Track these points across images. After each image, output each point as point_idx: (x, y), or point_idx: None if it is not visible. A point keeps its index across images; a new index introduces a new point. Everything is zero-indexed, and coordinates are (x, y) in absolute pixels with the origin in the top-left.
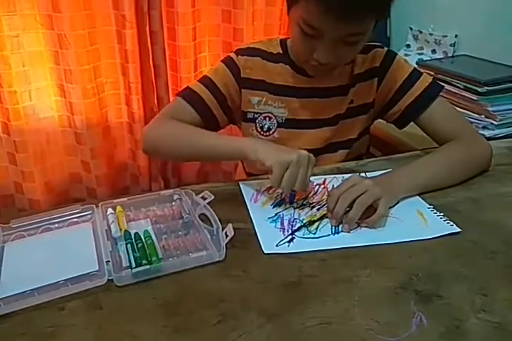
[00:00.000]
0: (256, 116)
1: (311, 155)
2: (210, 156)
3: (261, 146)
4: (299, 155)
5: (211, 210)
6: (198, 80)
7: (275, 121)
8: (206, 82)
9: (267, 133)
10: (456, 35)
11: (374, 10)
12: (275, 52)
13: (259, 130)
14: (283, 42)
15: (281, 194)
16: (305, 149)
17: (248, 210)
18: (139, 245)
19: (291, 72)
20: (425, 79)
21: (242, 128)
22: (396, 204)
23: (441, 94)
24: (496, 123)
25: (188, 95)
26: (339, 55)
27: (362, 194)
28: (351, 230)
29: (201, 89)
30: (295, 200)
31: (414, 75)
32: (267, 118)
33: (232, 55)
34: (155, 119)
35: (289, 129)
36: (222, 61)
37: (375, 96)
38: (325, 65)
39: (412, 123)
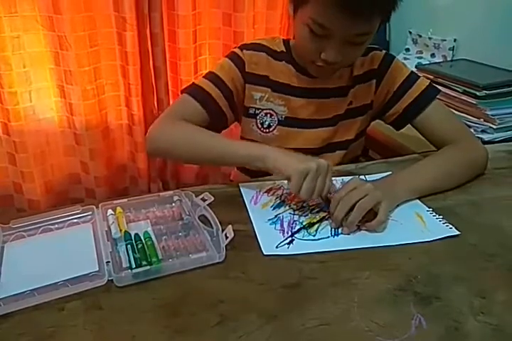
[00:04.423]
0: (257, 112)
1: (330, 164)
2: (223, 162)
3: (280, 155)
4: (318, 165)
5: (211, 212)
6: (203, 76)
7: (276, 119)
8: (213, 77)
9: (267, 130)
10: (455, 40)
11: (383, 9)
12: (279, 50)
13: (259, 126)
14: (285, 42)
15: (281, 196)
16: (304, 148)
17: (248, 212)
18: (139, 246)
19: (293, 71)
20: (422, 82)
21: (243, 124)
22: (396, 206)
23: (438, 97)
24: (494, 127)
25: (196, 92)
26: (346, 55)
27: (362, 198)
28: (351, 233)
29: (208, 85)
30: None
31: (412, 78)
32: (268, 115)
33: (237, 50)
34: (161, 119)
35: (289, 127)
36: (226, 56)
37: (373, 97)
38: (331, 65)
39: (410, 126)
